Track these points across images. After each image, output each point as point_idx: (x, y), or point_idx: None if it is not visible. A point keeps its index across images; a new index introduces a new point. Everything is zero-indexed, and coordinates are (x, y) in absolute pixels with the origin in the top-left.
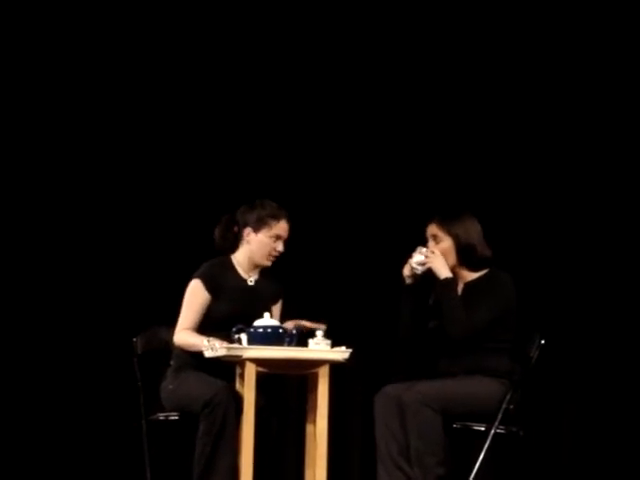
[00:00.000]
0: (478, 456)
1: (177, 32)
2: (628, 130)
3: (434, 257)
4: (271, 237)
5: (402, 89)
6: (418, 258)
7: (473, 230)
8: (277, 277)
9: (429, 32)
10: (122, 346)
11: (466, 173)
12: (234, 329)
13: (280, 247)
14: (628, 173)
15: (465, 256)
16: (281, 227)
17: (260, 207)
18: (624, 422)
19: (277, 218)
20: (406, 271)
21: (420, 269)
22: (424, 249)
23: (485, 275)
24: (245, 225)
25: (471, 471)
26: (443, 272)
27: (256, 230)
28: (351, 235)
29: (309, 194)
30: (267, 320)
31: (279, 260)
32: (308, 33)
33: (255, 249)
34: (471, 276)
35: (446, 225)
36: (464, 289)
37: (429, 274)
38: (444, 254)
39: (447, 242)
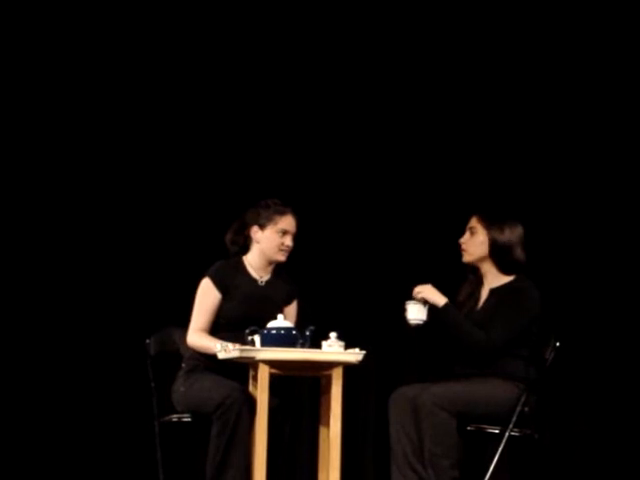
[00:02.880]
0: (492, 459)
1: (184, 34)
2: None
3: (422, 289)
4: (277, 232)
5: (431, 90)
6: (413, 312)
7: (512, 233)
8: (291, 278)
9: (450, 26)
10: (135, 348)
11: (479, 177)
12: (247, 330)
13: (288, 241)
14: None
15: (498, 254)
16: (286, 221)
17: (265, 206)
18: (639, 425)
19: (281, 213)
20: (411, 324)
21: (422, 320)
22: (410, 301)
23: (511, 283)
24: (252, 224)
25: (485, 474)
26: (439, 299)
27: (262, 227)
28: (365, 237)
29: (324, 197)
30: (280, 322)
31: (293, 262)
32: (314, 32)
33: (264, 246)
34: (498, 281)
35: (486, 222)
36: (489, 295)
37: (432, 309)
38: (475, 246)
39: (482, 237)
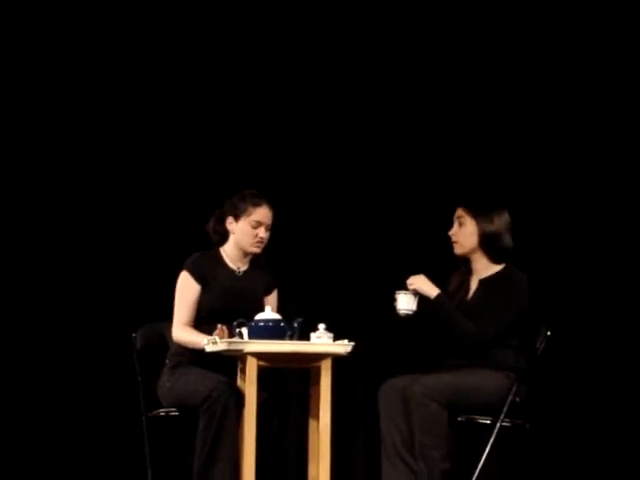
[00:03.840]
0: (483, 450)
1: (164, 31)
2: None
3: (414, 278)
4: (251, 223)
5: (415, 82)
6: (403, 302)
7: (499, 220)
8: (270, 268)
9: (445, 22)
10: (121, 341)
11: (463, 169)
12: (235, 323)
13: (262, 233)
14: (631, 166)
15: (487, 244)
16: (260, 213)
17: (240, 196)
18: (630, 415)
19: (255, 205)
20: (401, 314)
21: (412, 311)
22: (401, 292)
23: (500, 273)
24: (227, 215)
25: (476, 465)
26: (431, 291)
27: (237, 218)
28: (352, 228)
29: (310, 188)
30: (268, 314)
31: (280, 252)
32: (293, 27)
33: (238, 237)
34: (487, 271)
35: (473, 211)
36: (478, 285)
37: (422, 299)
38: (465, 237)
39: (471, 227)
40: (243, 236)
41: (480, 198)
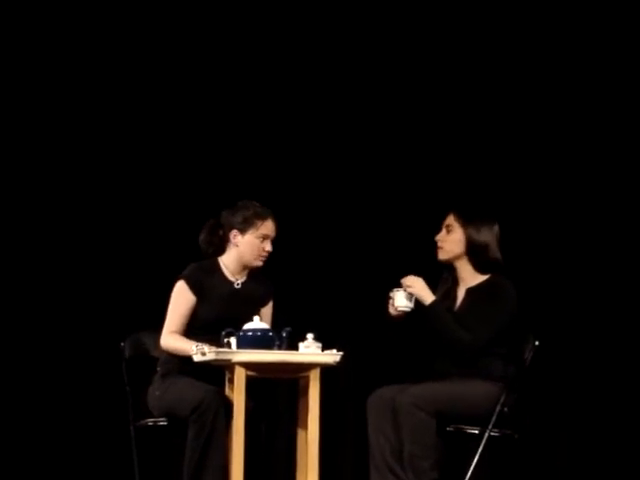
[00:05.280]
0: (472, 459)
1: (156, 34)
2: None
3: (413, 280)
4: (258, 237)
5: (406, 88)
6: (402, 299)
7: (488, 231)
8: (267, 279)
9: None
10: (110, 350)
11: (454, 175)
12: (223, 332)
13: (268, 247)
14: (618, 176)
15: (474, 253)
16: (267, 226)
17: (244, 208)
18: (619, 424)
19: (263, 218)
20: (392, 311)
21: (410, 308)
22: (399, 289)
23: (487, 281)
24: (231, 228)
25: (465, 475)
26: (427, 297)
27: (243, 231)
28: (341, 237)
29: (299, 196)
30: (257, 323)
31: (269, 262)
32: (287, 29)
33: (244, 250)
34: (474, 280)
35: (463, 219)
36: (465, 295)
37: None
38: (452, 243)
39: (459, 234)
40: (249, 249)
41: (472, 208)
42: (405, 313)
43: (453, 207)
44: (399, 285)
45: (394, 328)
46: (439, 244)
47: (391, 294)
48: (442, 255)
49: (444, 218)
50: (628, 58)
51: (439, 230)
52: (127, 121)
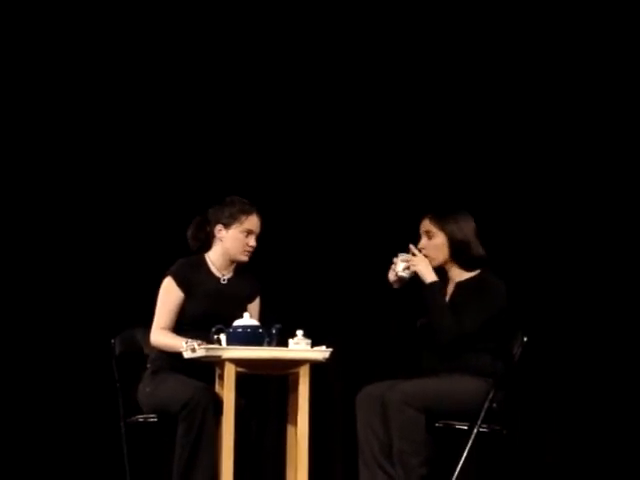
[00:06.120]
0: (461, 455)
1: (147, 34)
2: (609, 132)
3: (418, 260)
4: (242, 232)
5: (392, 85)
6: (403, 265)
7: (467, 228)
8: (254, 275)
9: (424, 26)
10: (100, 347)
11: (449, 173)
12: (213, 329)
13: (252, 242)
14: (603, 169)
15: (458, 254)
16: (252, 222)
17: (230, 204)
18: (607, 420)
19: (247, 213)
20: (391, 277)
21: (407, 275)
22: (405, 255)
23: (476, 277)
24: (217, 223)
25: (454, 470)
26: (428, 276)
27: (227, 226)
28: (330, 233)
29: (288, 192)
30: (247, 320)
31: (258, 259)
32: (277, 28)
33: (229, 246)
34: (463, 276)
35: (440, 221)
36: (455, 289)
37: (416, 276)
38: (437, 250)
39: (440, 238)
40: (234, 244)
41: (445, 208)
42: (403, 281)
43: (426, 212)
44: (406, 250)
45: (400, 285)
46: (424, 252)
47: (395, 259)
48: (430, 263)
49: (418, 227)
50: (615, 56)
51: (418, 239)
52: (115, 120)
